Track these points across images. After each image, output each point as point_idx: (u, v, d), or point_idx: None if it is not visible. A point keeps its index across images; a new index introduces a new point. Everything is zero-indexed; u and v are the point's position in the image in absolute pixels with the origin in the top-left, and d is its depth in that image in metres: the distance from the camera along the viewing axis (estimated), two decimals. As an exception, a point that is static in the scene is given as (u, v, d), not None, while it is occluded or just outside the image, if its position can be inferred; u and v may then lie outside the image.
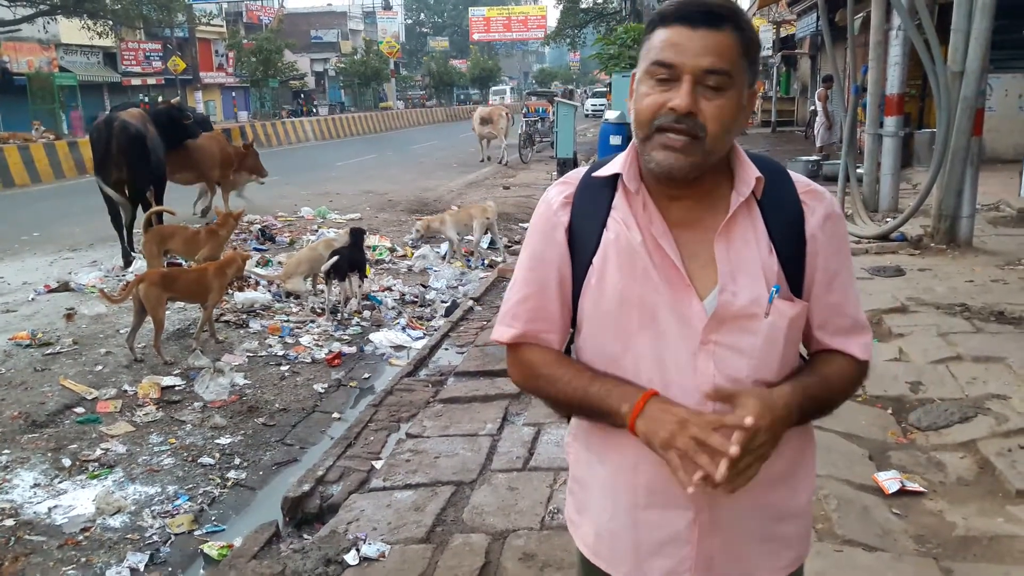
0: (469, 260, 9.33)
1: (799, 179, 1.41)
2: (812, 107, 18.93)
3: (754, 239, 1.34)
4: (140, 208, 9.00)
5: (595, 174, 1.42)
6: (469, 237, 9.30)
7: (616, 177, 1.38)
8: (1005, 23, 8.61)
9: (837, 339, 1.42)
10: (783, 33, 28.68)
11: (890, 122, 9.37)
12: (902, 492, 3.37)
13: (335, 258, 6.91)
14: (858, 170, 9.93)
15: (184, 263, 7.97)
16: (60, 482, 4.18)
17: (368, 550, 3.16)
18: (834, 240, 1.38)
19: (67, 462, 4.37)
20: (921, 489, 3.41)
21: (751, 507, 1.37)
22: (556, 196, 1.45)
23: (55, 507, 3.93)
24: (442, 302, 7.57)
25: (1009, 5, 8.79)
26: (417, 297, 7.72)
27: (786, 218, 1.35)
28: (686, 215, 1.36)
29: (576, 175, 1.47)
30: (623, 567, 1.45)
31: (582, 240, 1.39)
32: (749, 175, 1.35)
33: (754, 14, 31.16)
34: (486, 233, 9.41)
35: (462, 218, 9.21)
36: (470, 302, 7.12)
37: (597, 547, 1.49)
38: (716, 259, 1.32)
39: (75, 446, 4.58)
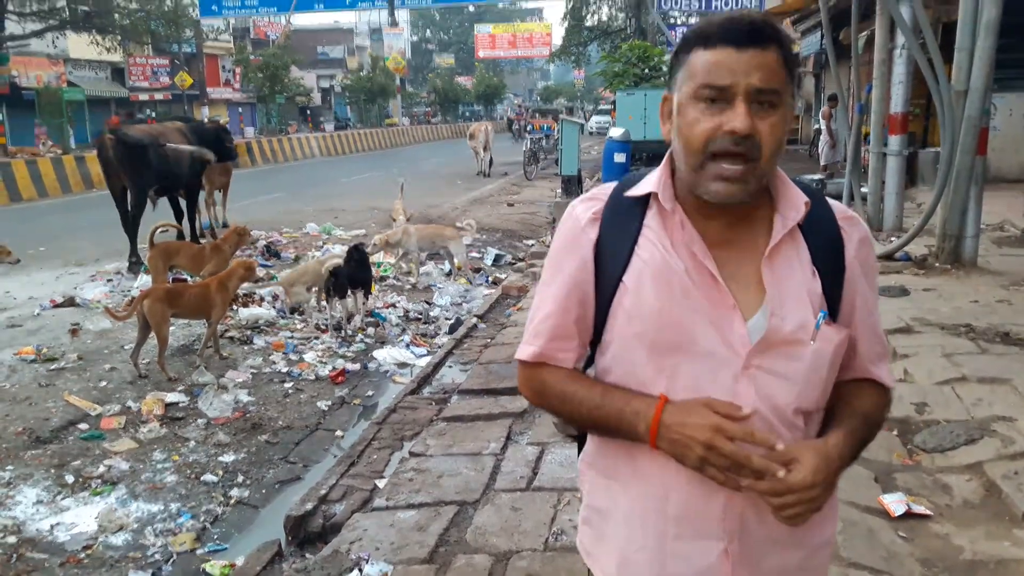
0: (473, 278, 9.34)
1: (835, 205, 1.41)
2: (816, 126, 18.96)
3: (798, 263, 1.31)
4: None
5: (627, 193, 1.38)
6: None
7: (647, 195, 1.36)
8: (1009, 42, 8.63)
9: (873, 366, 1.43)
10: (787, 51, 28.74)
11: (894, 141, 9.37)
12: (908, 515, 3.35)
13: (335, 272, 6.92)
14: (862, 189, 9.94)
15: (190, 279, 7.99)
16: (63, 499, 4.18)
17: (371, 570, 3.15)
18: (867, 265, 1.40)
19: (70, 479, 4.37)
20: (927, 512, 3.39)
21: (782, 538, 1.35)
22: (584, 212, 1.40)
23: (57, 524, 3.93)
24: (446, 319, 7.57)
25: (1013, 24, 8.81)
26: (421, 314, 7.73)
27: (827, 244, 1.34)
28: (722, 235, 1.32)
29: (603, 191, 1.42)
30: None
31: (610, 258, 1.34)
32: (797, 199, 1.33)
33: (758, 32, 31.29)
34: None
35: (427, 234, 9.16)
36: (474, 319, 7.11)
37: None
38: (764, 282, 1.30)
39: (78, 463, 4.58)
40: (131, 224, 9.54)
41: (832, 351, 1.32)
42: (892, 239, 8.59)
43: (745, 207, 1.30)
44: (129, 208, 9.58)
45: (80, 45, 29.44)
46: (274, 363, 6.27)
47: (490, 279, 9.28)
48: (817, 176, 13.41)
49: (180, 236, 10.75)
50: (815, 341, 1.29)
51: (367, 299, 7.31)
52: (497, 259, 10.30)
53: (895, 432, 4.17)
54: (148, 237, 7.91)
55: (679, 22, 32.97)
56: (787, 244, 1.31)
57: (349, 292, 7.08)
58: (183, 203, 10.80)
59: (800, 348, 1.28)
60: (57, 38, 27.94)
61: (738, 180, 1.23)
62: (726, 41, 1.22)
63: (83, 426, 5.06)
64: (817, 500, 1.23)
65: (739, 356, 1.28)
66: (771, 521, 1.27)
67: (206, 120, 23.66)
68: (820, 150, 15.62)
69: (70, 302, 7.88)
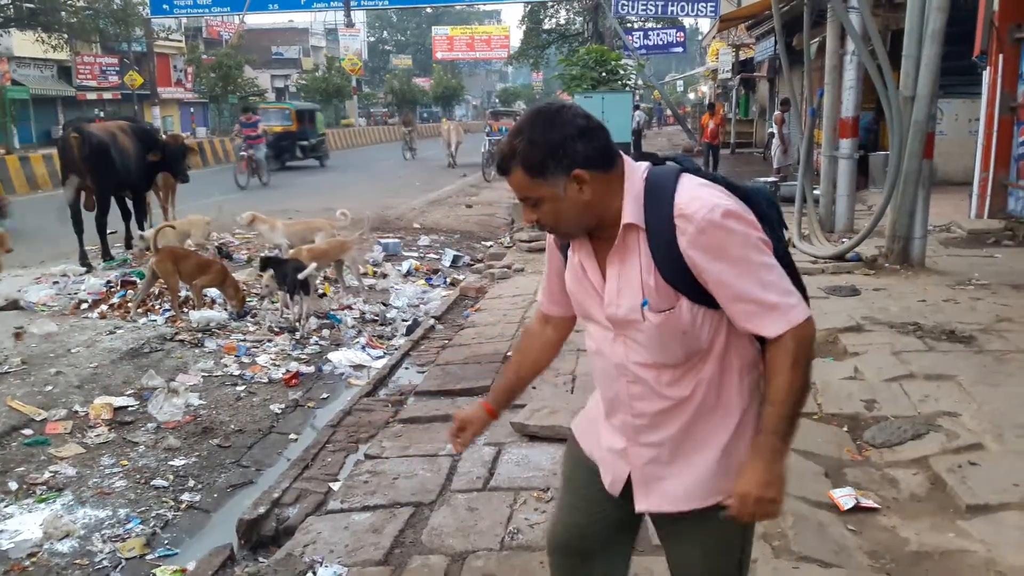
0: (431, 279, 9.29)
1: (683, 197, 1.64)
2: (770, 129, 19.27)
3: (638, 262, 1.69)
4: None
5: None
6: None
7: None
8: (955, 50, 8.85)
9: (747, 323, 1.67)
10: (742, 56, 29.20)
11: (845, 144, 9.57)
12: (857, 508, 3.41)
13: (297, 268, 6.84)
14: (815, 191, 10.12)
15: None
16: (6, 506, 4.06)
17: (325, 573, 3.12)
18: (712, 249, 1.61)
19: (14, 485, 4.25)
20: (875, 505, 3.45)
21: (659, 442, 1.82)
22: None
23: (0, 532, 3.81)
24: (403, 320, 7.52)
25: (958, 33, 9.05)
26: (377, 316, 7.66)
27: (662, 241, 1.65)
28: (607, 244, 1.75)
29: None
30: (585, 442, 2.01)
31: (565, 250, 1.90)
32: (620, 221, 1.69)
33: (714, 37, 31.74)
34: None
35: (297, 230, 9.13)
36: (431, 320, 7.08)
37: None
38: (606, 279, 1.75)
39: (22, 469, 4.45)
40: (98, 227, 9.64)
41: (657, 327, 1.69)
42: (843, 240, 8.76)
43: (613, 228, 1.71)
44: (93, 209, 9.62)
45: (25, 43, 28.65)
46: (226, 366, 6.16)
47: (448, 280, 9.25)
48: (771, 179, 13.63)
49: (129, 239, 10.57)
50: (645, 320, 1.69)
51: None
52: (455, 260, 10.28)
53: (845, 428, 4.25)
54: (151, 241, 7.66)
55: (636, 26, 33.29)
56: (632, 246, 1.69)
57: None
58: (130, 204, 10.62)
59: (640, 325, 1.71)
60: (0, 35, 27.19)
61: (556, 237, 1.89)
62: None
63: (27, 431, 4.91)
64: (765, 504, 1.68)
65: (610, 327, 1.78)
66: (651, 435, 1.80)
67: (162, 130, 23.20)
68: (773, 153, 15.88)
69: (14, 305, 7.65)
